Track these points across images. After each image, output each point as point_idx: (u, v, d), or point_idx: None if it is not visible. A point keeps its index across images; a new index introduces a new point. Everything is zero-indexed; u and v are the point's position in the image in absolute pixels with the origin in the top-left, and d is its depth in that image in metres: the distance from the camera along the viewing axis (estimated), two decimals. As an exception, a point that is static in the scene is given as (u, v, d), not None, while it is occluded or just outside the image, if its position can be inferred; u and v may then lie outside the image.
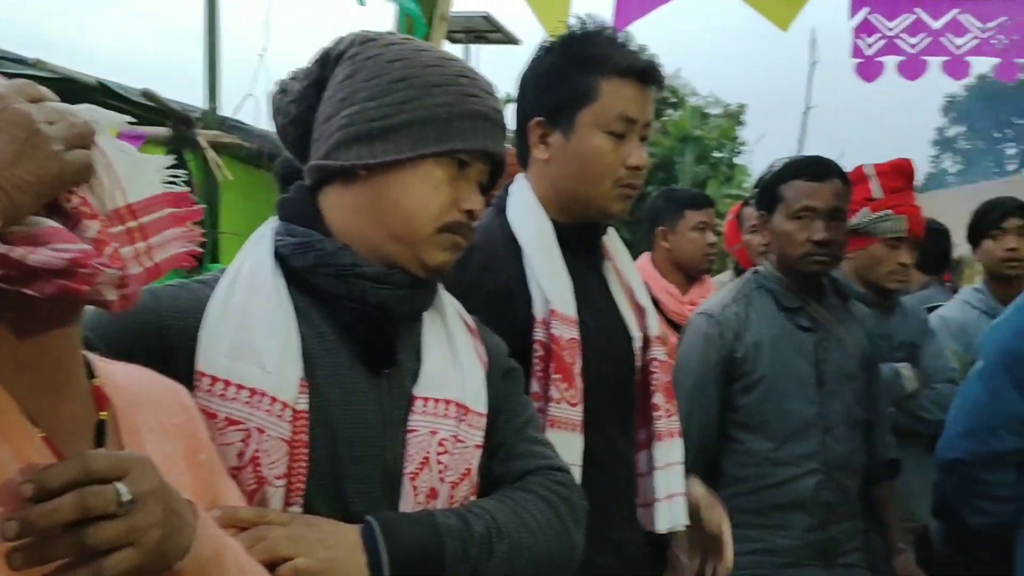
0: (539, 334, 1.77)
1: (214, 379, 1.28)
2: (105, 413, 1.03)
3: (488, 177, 1.47)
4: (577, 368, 1.78)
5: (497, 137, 1.45)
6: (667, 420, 1.94)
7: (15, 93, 0.88)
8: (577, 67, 1.87)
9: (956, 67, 3.62)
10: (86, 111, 0.94)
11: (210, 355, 1.29)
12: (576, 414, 1.76)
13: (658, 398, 1.93)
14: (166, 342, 1.29)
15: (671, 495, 1.92)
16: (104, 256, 0.91)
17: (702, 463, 2.51)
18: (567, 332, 1.79)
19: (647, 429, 1.94)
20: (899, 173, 3.31)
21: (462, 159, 1.41)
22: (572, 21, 1.96)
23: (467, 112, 1.40)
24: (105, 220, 0.94)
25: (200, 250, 1.06)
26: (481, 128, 1.42)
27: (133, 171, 0.99)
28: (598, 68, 1.86)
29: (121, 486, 0.88)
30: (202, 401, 1.26)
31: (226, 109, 4.90)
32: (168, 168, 1.05)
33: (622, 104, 1.86)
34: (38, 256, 0.86)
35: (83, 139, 0.91)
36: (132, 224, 0.98)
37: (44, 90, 0.91)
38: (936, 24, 3.55)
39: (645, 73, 1.88)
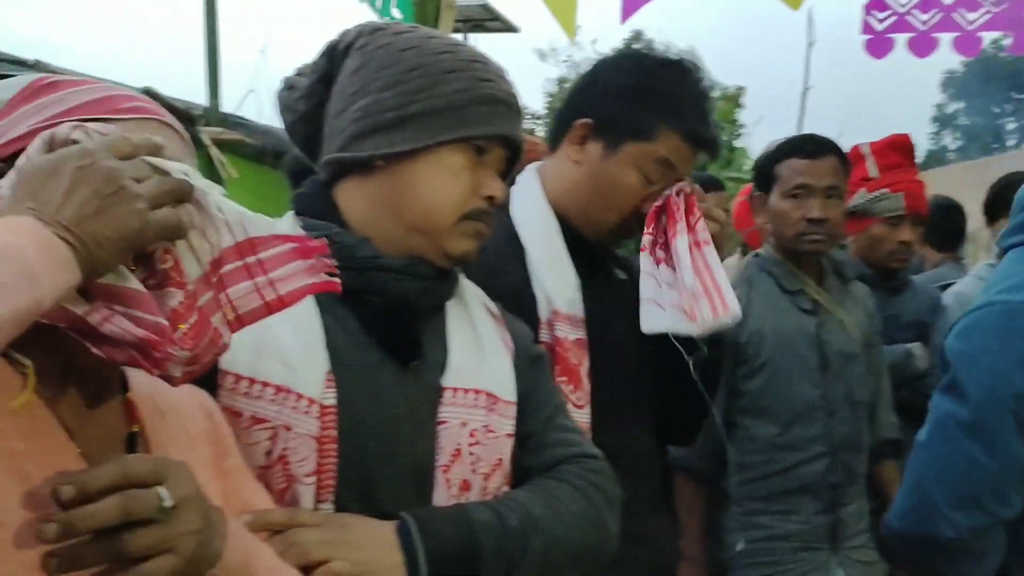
0: (543, 335, 1.74)
1: (238, 377, 1.26)
2: (136, 426, 1.03)
3: (506, 162, 1.46)
4: (584, 369, 1.75)
5: (514, 121, 1.44)
6: None
7: (105, 149, 0.88)
8: (648, 101, 1.82)
9: (967, 43, 3.60)
10: (181, 168, 0.93)
11: (233, 353, 1.23)
12: (583, 416, 1.73)
13: None
14: None
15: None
16: (179, 332, 0.91)
17: (708, 450, 2.52)
18: (572, 333, 1.76)
19: None
20: (895, 150, 3.27)
21: (480, 145, 1.39)
22: (658, 38, 1.91)
23: (483, 97, 1.39)
24: (192, 289, 0.94)
25: (336, 281, 1.05)
26: (498, 113, 1.40)
27: (245, 217, 0.99)
28: (667, 116, 1.81)
29: (163, 491, 0.87)
30: (227, 400, 1.24)
31: (228, 106, 4.90)
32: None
33: (670, 155, 1.82)
34: (113, 328, 0.86)
35: (173, 196, 0.90)
36: (251, 259, 0.99)
37: (142, 143, 0.91)
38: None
39: (706, 145, 1.86)
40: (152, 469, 0.89)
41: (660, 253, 1.81)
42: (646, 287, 1.82)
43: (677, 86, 1.84)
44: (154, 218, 0.87)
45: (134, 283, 0.88)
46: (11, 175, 0.89)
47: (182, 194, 0.91)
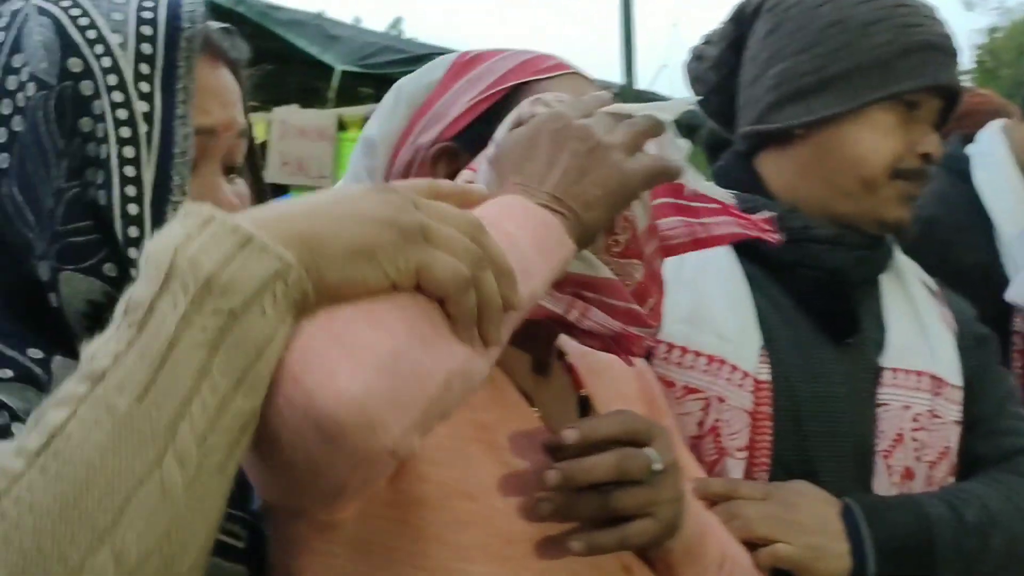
0: (1019, 324, 1.59)
1: (671, 346, 1.25)
2: (585, 390, 1.05)
3: (942, 112, 1.34)
4: None
5: (948, 67, 1.32)
6: None
7: (573, 111, 0.88)
8: None
9: None
10: (642, 107, 0.90)
11: (666, 322, 1.23)
12: None
13: None
14: None
15: None
16: (646, 308, 0.92)
17: None
18: None
19: None
20: None
21: (912, 99, 1.29)
22: None
23: (912, 45, 1.28)
24: (648, 254, 0.94)
25: (775, 234, 1.05)
26: (930, 60, 1.29)
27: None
28: None
29: (653, 453, 0.88)
30: (659, 369, 1.24)
31: (642, 83, 5.00)
32: None
33: None
34: (591, 323, 0.89)
35: (647, 135, 0.88)
36: (682, 202, 0.99)
37: (593, 100, 0.90)
38: None
39: None
40: (647, 429, 0.91)
41: None
42: None
43: None
44: (633, 167, 0.85)
45: (603, 271, 0.89)
46: (489, 151, 0.91)
47: (655, 131, 0.89)
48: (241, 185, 0.95)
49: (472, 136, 0.96)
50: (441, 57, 1.06)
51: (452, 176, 0.96)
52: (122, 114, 0.82)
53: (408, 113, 1.02)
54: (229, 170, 0.93)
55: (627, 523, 0.88)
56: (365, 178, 1.03)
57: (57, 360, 0.80)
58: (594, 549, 0.88)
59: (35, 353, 0.80)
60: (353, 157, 1.07)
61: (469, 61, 1.03)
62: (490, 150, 0.91)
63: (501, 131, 0.92)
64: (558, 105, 0.91)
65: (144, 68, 0.83)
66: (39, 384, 0.78)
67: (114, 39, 0.83)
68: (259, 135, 6.15)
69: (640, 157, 0.86)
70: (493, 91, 0.98)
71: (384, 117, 1.04)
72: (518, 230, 0.78)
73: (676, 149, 0.93)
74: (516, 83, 0.98)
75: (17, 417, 0.72)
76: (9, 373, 0.78)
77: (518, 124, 0.91)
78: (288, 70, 6.65)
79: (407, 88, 1.04)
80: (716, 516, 1.12)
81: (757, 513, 1.17)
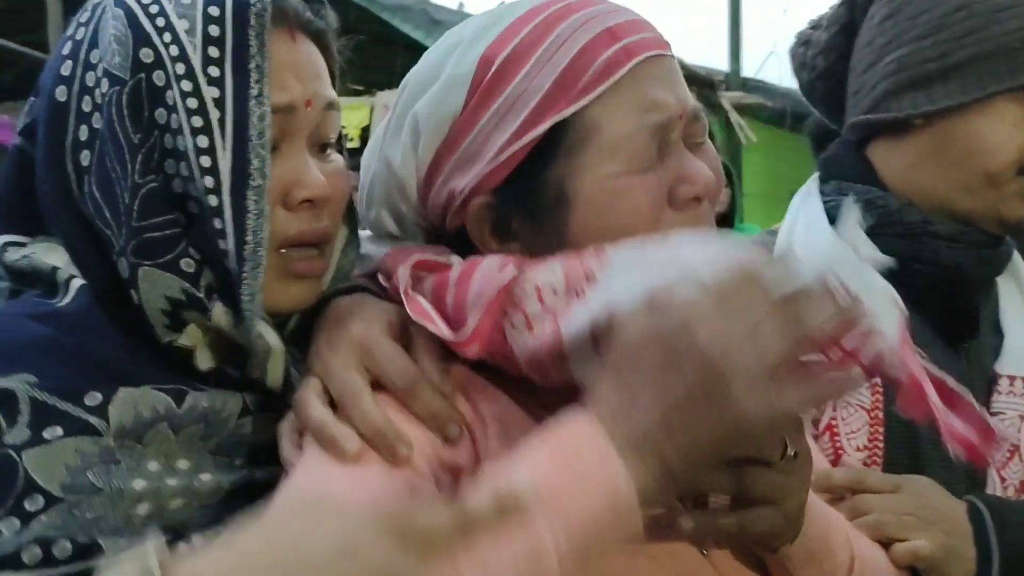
0: None
1: None
2: None
3: None
4: None
5: None
6: None
7: (717, 309, 0.68)
8: None
9: None
10: (843, 285, 0.70)
11: None
12: None
13: None
14: None
15: None
16: None
17: None
18: None
19: None
20: None
21: None
22: None
23: None
24: None
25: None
26: None
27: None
28: None
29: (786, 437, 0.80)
30: None
31: (749, 70, 4.91)
32: None
33: None
34: None
35: (812, 345, 0.70)
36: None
37: (773, 280, 0.69)
38: None
39: None
40: None
41: None
42: None
43: None
44: (766, 411, 0.68)
45: None
46: (601, 306, 0.75)
47: (844, 331, 0.71)
48: (337, 161, 0.92)
49: (514, 190, 0.86)
50: (456, 70, 0.87)
51: (497, 228, 0.86)
52: (192, 103, 0.80)
53: (432, 146, 0.88)
54: (323, 147, 0.90)
55: (748, 508, 0.78)
56: (387, 214, 0.93)
57: (120, 394, 0.78)
58: (705, 532, 0.79)
59: (93, 399, 0.78)
60: (376, 179, 0.94)
61: (492, 80, 0.85)
62: (602, 309, 0.74)
63: (628, 291, 0.73)
64: (713, 288, 0.69)
65: (213, 51, 0.81)
66: (95, 431, 0.77)
67: (181, 25, 0.81)
68: (363, 119, 6.23)
69: (785, 395, 0.68)
70: (530, 136, 0.84)
71: (404, 150, 0.90)
72: (559, 523, 0.66)
73: (889, 322, 0.75)
74: (560, 119, 0.84)
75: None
76: (59, 432, 0.76)
77: (650, 300, 0.71)
78: (392, 54, 6.71)
79: (426, 117, 0.88)
80: (841, 513, 1.02)
81: (888, 509, 1.10)
